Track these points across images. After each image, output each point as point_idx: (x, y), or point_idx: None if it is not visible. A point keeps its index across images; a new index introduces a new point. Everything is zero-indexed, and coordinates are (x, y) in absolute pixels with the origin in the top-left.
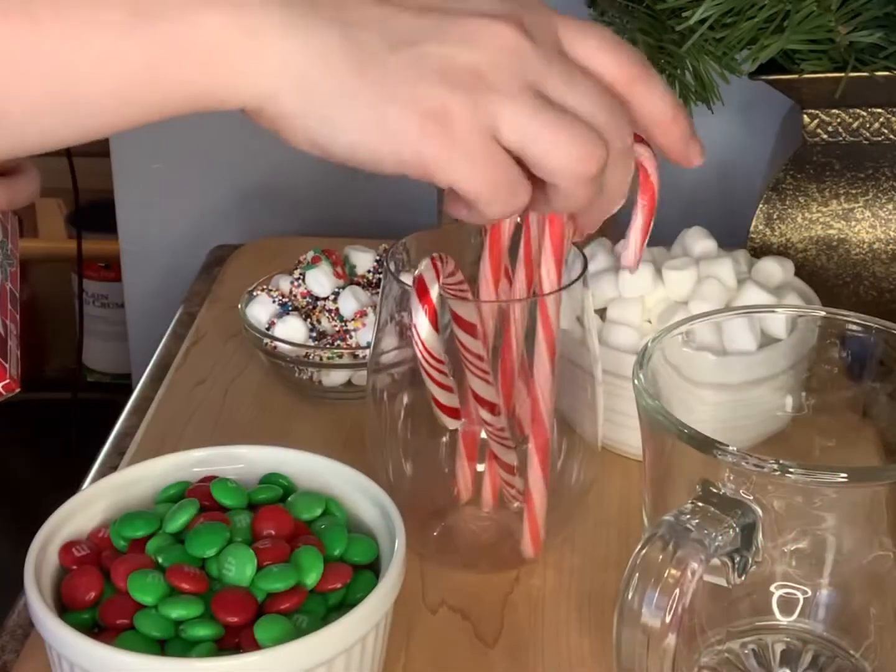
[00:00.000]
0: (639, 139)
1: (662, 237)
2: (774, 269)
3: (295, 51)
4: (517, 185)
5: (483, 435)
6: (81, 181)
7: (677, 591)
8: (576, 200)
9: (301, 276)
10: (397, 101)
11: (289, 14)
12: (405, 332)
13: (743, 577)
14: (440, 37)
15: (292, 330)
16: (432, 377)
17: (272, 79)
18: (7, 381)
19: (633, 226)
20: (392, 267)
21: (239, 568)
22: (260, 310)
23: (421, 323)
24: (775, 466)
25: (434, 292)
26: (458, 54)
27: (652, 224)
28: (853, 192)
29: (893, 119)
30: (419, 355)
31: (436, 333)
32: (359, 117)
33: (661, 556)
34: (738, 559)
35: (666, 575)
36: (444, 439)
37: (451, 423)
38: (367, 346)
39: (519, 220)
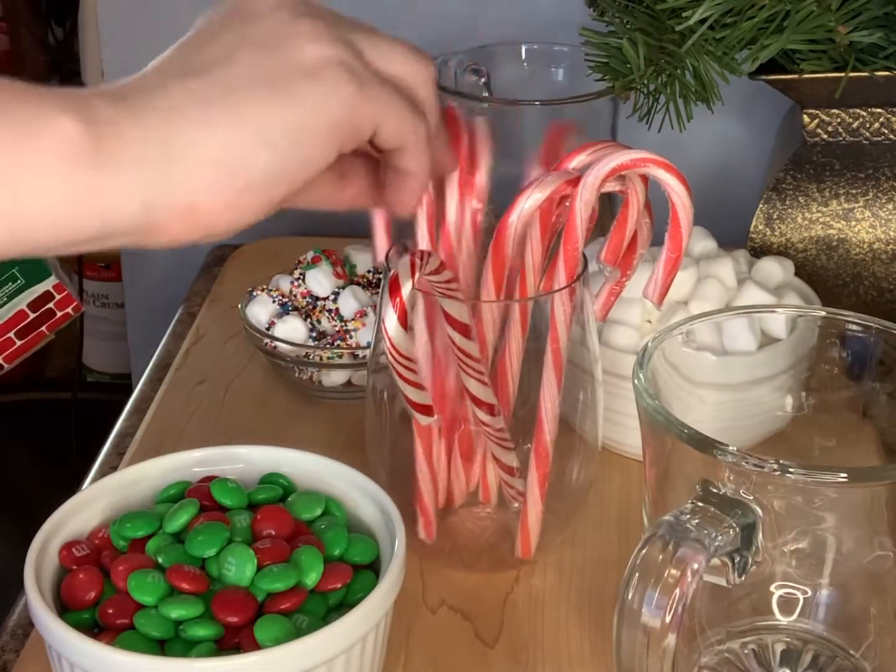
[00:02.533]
0: (672, 170)
1: (662, 237)
2: (774, 269)
3: (169, 132)
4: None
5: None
6: None
7: (677, 591)
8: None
9: (301, 276)
10: (294, 79)
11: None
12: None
13: (743, 577)
14: (248, 28)
15: (292, 330)
16: (401, 375)
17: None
18: (75, 303)
19: (659, 261)
20: (391, 267)
21: (239, 568)
22: (260, 310)
23: (389, 320)
24: (775, 466)
25: (406, 290)
26: (271, 26)
27: (679, 265)
28: (853, 192)
29: (893, 119)
30: (387, 352)
31: (404, 331)
32: (275, 116)
33: (661, 556)
34: (738, 559)
35: (666, 575)
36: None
37: (423, 420)
38: (367, 346)
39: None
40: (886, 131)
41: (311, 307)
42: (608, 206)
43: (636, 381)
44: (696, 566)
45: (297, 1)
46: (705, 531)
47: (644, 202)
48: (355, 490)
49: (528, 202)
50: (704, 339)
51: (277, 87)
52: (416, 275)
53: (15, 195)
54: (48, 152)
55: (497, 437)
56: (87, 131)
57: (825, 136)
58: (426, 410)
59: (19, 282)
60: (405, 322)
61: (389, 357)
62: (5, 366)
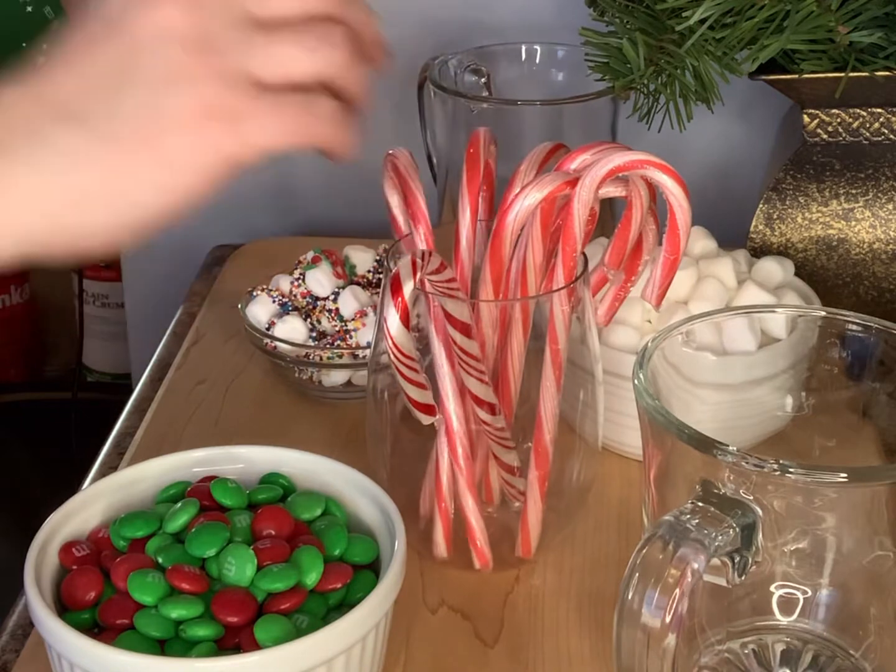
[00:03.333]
0: (670, 172)
1: (661, 238)
2: (774, 269)
3: (41, 178)
4: (312, 104)
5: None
6: None
7: (677, 591)
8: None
9: (301, 276)
10: (165, 136)
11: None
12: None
13: (743, 577)
14: (134, 60)
15: (292, 330)
16: (403, 374)
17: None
18: None
19: (657, 263)
20: (392, 267)
21: (239, 568)
22: (260, 310)
23: (392, 320)
24: (775, 466)
25: (408, 289)
26: (157, 64)
27: (677, 266)
28: (853, 192)
29: (893, 119)
30: (389, 352)
31: (406, 331)
32: (146, 178)
33: (661, 556)
34: (738, 559)
35: (666, 575)
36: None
37: (425, 419)
38: (367, 346)
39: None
40: (886, 131)
41: (311, 307)
42: (609, 211)
43: (636, 381)
44: (696, 566)
45: (184, 9)
46: (705, 531)
47: (648, 205)
48: (355, 490)
49: (527, 201)
50: (704, 339)
51: (150, 145)
52: (418, 274)
53: None
54: None
55: (497, 436)
56: None
57: (825, 136)
58: (428, 410)
59: None
60: (407, 321)
61: (391, 357)
62: None
